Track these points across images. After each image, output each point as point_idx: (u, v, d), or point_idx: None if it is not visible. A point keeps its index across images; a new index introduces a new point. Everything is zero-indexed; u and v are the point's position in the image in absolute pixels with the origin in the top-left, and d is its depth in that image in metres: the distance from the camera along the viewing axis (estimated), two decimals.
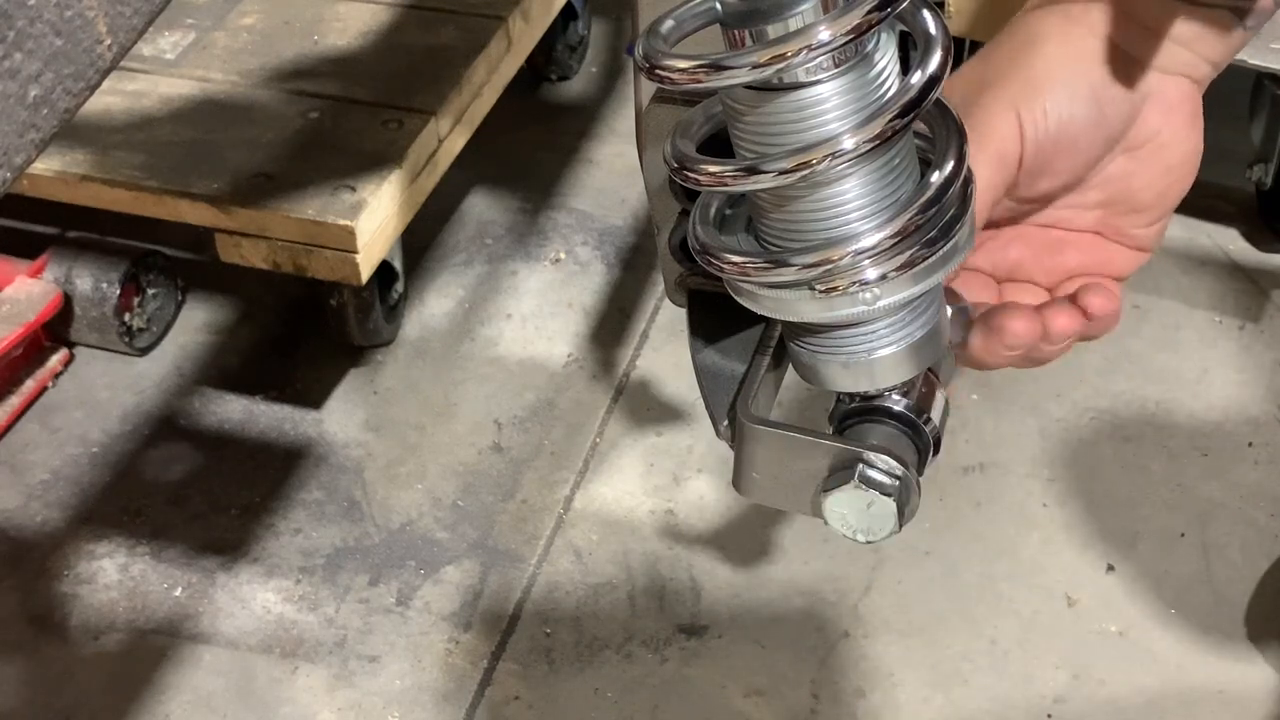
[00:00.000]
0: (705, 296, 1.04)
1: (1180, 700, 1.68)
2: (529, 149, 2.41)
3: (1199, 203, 2.29)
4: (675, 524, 1.87)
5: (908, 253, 0.81)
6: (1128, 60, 0.80)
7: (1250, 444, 1.95)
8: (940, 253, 0.82)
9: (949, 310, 0.92)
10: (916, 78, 0.77)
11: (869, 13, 0.73)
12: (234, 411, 2.02)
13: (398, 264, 2.05)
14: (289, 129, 1.95)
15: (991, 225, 0.90)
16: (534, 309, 2.16)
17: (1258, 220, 2.26)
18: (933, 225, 0.81)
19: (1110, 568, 1.82)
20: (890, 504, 0.89)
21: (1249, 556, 1.82)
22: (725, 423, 0.99)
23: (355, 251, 1.82)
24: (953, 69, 0.79)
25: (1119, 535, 1.85)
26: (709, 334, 1.05)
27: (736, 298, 0.87)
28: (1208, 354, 2.07)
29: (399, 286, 2.09)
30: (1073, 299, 0.87)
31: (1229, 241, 2.23)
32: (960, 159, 0.81)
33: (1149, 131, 0.83)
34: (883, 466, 0.89)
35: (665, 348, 2.09)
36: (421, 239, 2.23)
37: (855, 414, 0.92)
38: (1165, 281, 2.17)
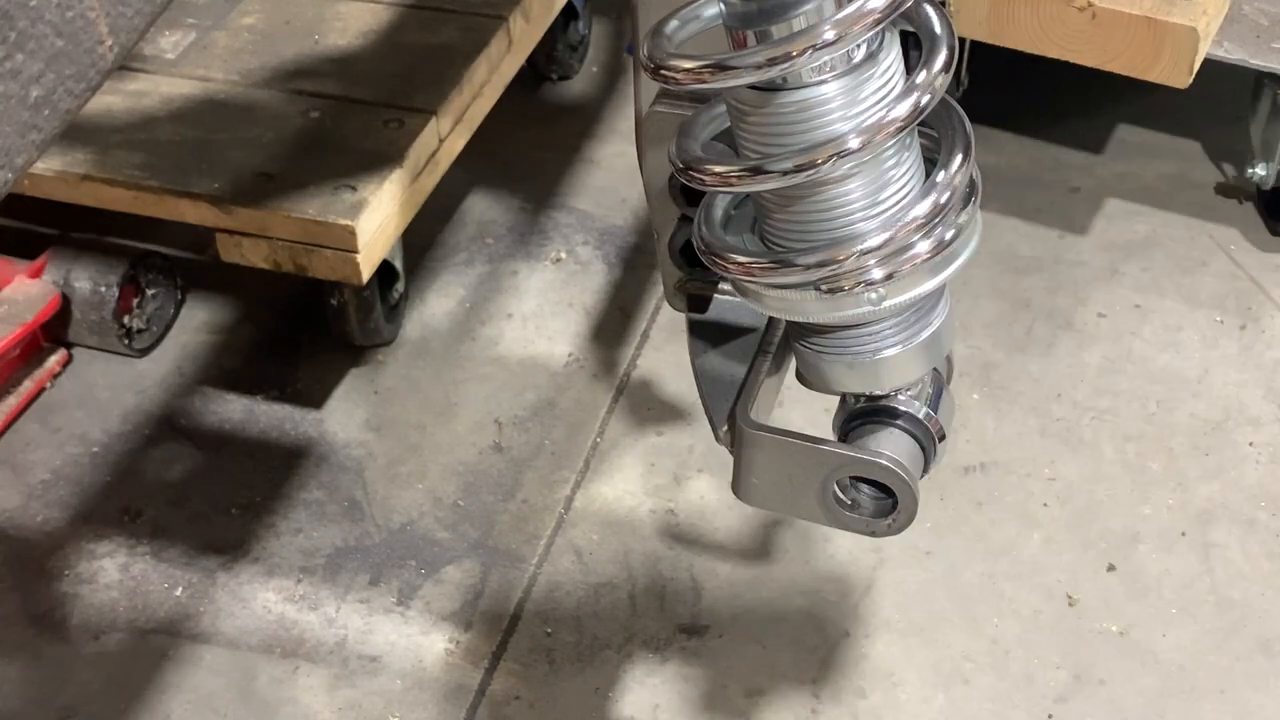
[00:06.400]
0: (705, 301, 1.04)
1: (1181, 700, 1.68)
2: (530, 149, 2.41)
3: (1199, 202, 2.29)
4: (676, 524, 1.87)
5: (913, 252, 0.81)
6: None
7: (1250, 444, 1.95)
8: (946, 252, 0.82)
9: None
10: (922, 77, 0.77)
11: (873, 12, 0.73)
12: (234, 411, 2.02)
13: (398, 264, 2.05)
14: (290, 129, 1.95)
15: None
16: (535, 308, 2.15)
17: (1258, 220, 2.25)
18: (939, 224, 0.81)
19: (1111, 567, 1.81)
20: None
21: (1249, 556, 1.82)
22: (725, 428, 0.99)
23: (356, 251, 1.82)
24: (956, 69, 0.79)
25: (1119, 535, 1.85)
26: (708, 339, 1.04)
27: (742, 298, 0.87)
28: (1208, 354, 2.07)
29: (400, 286, 2.08)
30: None
31: (1230, 241, 2.23)
32: (966, 157, 0.81)
33: None
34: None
35: (666, 347, 2.09)
36: (422, 239, 2.23)
37: (861, 415, 0.92)
38: (1166, 281, 2.17)
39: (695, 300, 1.04)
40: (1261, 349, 2.07)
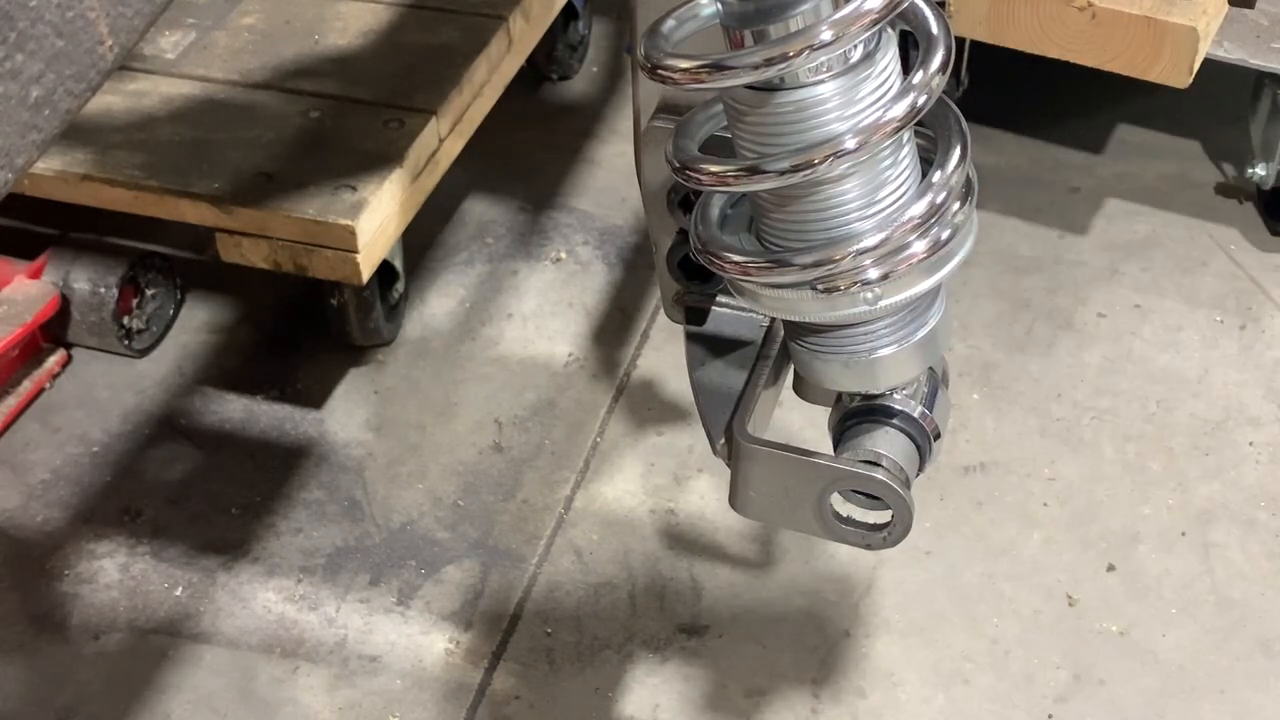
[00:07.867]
0: (703, 314, 1.04)
1: (1181, 700, 1.68)
2: (530, 149, 2.41)
3: (1199, 202, 2.30)
4: (676, 524, 1.87)
5: (909, 252, 0.81)
6: None
7: (1250, 444, 1.95)
8: (942, 252, 0.82)
9: None
10: (919, 77, 0.77)
11: (870, 12, 0.73)
12: (234, 411, 2.02)
13: (398, 263, 2.05)
14: (289, 129, 1.95)
15: None
16: (535, 308, 2.16)
17: (1258, 220, 2.26)
18: (935, 224, 0.81)
19: (1111, 567, 1.81)
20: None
21: (1249, 556, 1.82)
22: (722, 441, 0.99)
23: (356, 251, 1.82)
24: (955, 69, 0.79)
25: (1119, 535, 1.85)
26: (706, 351, 1.05)
27: (739, 297, 0.87)
28: (1208, 354, 2.07)
29: (400, 286, 2.09)
30: None
31: (1230, 241, 2.23)
32: (962, 157, 0.81)
33: None
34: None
35: (666, 347, 2.09)
36: (422, 238, 2.23)
37: (857, 414, 0.92)
38: (1166, 281, 2.17)
39: (693, 313, 1.04)
40: (1261, 349, 2.07)
